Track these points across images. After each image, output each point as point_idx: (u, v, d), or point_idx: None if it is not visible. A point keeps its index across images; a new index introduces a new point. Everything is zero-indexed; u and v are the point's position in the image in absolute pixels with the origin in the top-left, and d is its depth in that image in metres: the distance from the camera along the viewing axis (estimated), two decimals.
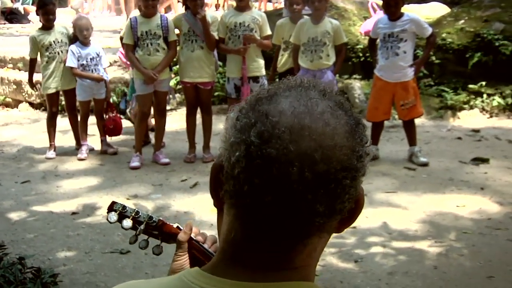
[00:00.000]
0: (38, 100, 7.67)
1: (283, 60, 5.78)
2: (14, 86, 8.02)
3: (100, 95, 5.76)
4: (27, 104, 7.99)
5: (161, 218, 1.27)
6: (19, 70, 8.34)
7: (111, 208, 1.26)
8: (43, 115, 6.91)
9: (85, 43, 5.65)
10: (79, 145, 5.85)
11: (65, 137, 6.24)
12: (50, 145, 5.85)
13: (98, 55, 5.72)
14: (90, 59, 5.64)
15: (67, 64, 5.59)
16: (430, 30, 5.21)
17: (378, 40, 5.44)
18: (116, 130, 5.83)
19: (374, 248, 3.68)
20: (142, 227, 1.25)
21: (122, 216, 1.26)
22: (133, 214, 1.26)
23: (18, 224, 4.16)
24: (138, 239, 1.27)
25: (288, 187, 0.73)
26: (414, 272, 3.33)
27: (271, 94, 0.79)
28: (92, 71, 5.66)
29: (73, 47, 5.60)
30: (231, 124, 0.78)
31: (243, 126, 0.76)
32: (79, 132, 5.84)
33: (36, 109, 7.84)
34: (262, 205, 0.74)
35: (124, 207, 1.26)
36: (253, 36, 5.38)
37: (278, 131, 0.73)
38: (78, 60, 5.59)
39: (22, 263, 3.10)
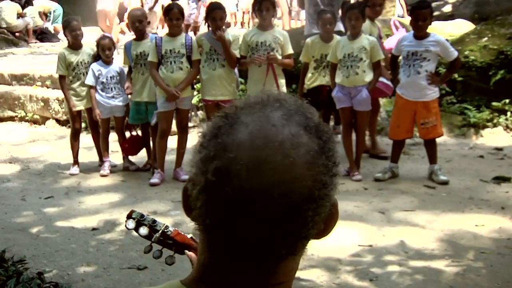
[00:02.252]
0: (65, 117, 7.83)
1: (313, 78, 5.79)
2: (42, 104, 8.21)
3: (119, 113, 5.87)
4: (54, 121, 8.17)
5: (176, 229, 1.31)
6: (47, 87, 8.55)
7: (130, 215, 1.32)
8: (69, 132, 7.04)
9: (107, 61, 5.77)
10: (102, 161, 5.97)
11: (89, 154, 6.35)
12: (74, 161, 5.97)
13: (119, 74, 5.81)
14: (110, 77, 5.75)
15: (85, 82, 5.75)
16: (455, 54, 5.14)
17: (400, 58, 5.44)
18: (133, 149, 5.90)
19: (390, 267, 3.65)
20: (157, 235, 1.30)
21: (139, 224, 1.31)
22: (150, 223, 1.31)
23: (40, 239, 4.24)
24: (153, 248, 1.32)
25: (249, 223, 0.73)
26: None
27: (232, 122, 0.77)
28: (112, 89, 5.77)
29: (94, 66, 5.73)
30: (196, 150, 0.79)
31: (203, 158, 0.77)
32: (101, 149, 5.96)
33: (63, 125, 8.00)
34: (224, 239, 0.76)
35: (142, 215, 1.32)
36: (274, 55, 5.43)
37: (234, 168, 0.73)
38: (98, 78, 5.72)
39: (41, 278, 3.17)
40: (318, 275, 3.54)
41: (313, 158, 0.76)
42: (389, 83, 5.61)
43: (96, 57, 5.84)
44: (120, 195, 5.19)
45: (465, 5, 13.71)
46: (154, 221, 1.30)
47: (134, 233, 1.33)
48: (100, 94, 5.76)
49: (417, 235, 4.11)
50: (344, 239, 4.07)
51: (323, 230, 0.81)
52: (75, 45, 5.84)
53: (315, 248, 3.89)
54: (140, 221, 1.30)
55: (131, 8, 7.56)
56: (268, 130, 0.75)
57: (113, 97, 5.79)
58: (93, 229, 4.38)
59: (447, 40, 5.84)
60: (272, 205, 0.72)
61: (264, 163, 0.73)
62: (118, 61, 6.12)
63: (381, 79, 5.54)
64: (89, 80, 5.71)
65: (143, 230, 1.29)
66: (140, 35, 5.66)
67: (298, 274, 3.22)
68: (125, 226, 1.30)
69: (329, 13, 5.76)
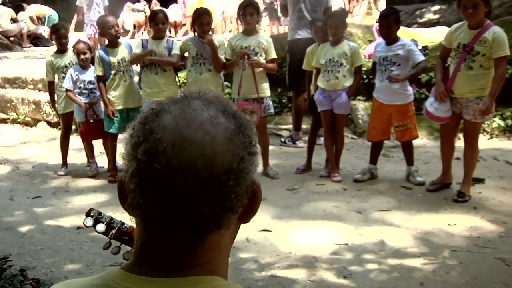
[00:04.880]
0: (56, 119, 7.83)
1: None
2: (34, 106, 8.22)
3: (97, 116, 5.77)
4: (45, 123, 8.18)
5: (132, 225, 1.34)
6: (39, 90, 8.56)
7: (88, 214, 1.35)
8: (59, 134, 7.06)
9: (83, 66, 5.69)
10: (90, 163, 5.98)
11: (78, 155, 6.36)
12: (63, 162, 5.98)
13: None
14: (88, 82, 5.69)
15: (63, 85, 5.71)
16: (420, 58, 5.10)
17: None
18: (92, 135, 5.80)
19: (365, 265, 3.68)
20: (113, 231, 1.33)
21: (97, 221, 1.34)
22: (107, 220, 1.34)
23: (25, 237, 4.24)
24: (112, 245, 1.34)
25: (176, 196, 0.79)
26: None
27: (158, 111, 0.85)
28: (88, 94, 5.69)
29: (71, 70, 5.68)
30: (127, 141, 0.85)
31: (133, 144, 0.83)
32: (86, 151, 5.95)
33: (54, 127, 8.02)
34: (157, 215, 0.81)
35: (100, 213, 1.35)
36: (256, 61, 5.45)
37: (161, 147, 0.80)
38: (76, 83, 5.67)
39: (24, 275, 3.17)
40: (294, 272, 3.56)
41: (231, 135, 0.83)
42: (432, 111, 4.79)
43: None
44: (107, 195, 5.20)
45: (450, 12, 13.82)
46: (112, 219, 1.33)
47: None
48: (78, 97, 5.70)
49: (393, 234, 4.14)
50: (321, 238, 4.11)
51: (248, 208, 0.87)
52: (61, 50, 5.87)
53: (292, 246, 3.94)
54: (98, 219, 1.33)
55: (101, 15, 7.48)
56: (189, 113, 0.83)
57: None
58: (78, 227, 4.38)
59: (428, 46, 5.85)
60: (197, 176, 0.79)
61: (187, 140, 0.80)
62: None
63: (429, 107, 4.81)
64: (66, 83, 5.66)
65: (100, 227, 1.32)
66: (117, 40, 5.63)
67: (275, 271, 3.23)
68: (83, 223, 1.33)
69: (320, 21, 5.79)
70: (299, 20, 6.44)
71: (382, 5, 10.50)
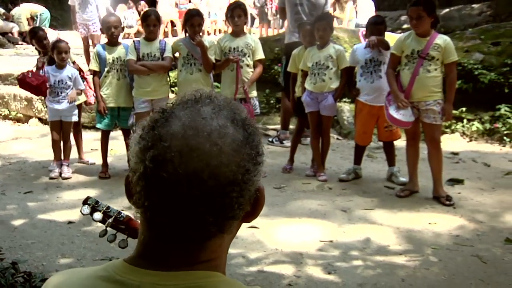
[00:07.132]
0: (47, 116, 7.77)
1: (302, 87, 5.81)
2: (25, 103, 8.15)
3: (65, 117, 5.67)
4: (37, 119, 8.12)
5: (128, 214, 1.34)
6: None
7: (85, 202, 1.34)
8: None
9: (60, 66, 5.57)
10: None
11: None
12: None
13: (70, 78, 5.60)
14: (58, 81, 5.56)
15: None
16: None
17: (356, 69, 5.49)
18: (33, 87, 5.62)
19: (349, 262, 3.71)
20: (110, 220, 1.32)
21: (94, 209, 1.33)
22: (104, 209, 1.33)
23: (17, 231, 4.21)
24: (108, 232, 1.33)
25: (181, 203, 0.79)
26: (383, 284, 3.36)
27: (167, 116, 0.84)
28: (58, 93, 5.57)
29: (46, 69, 5.60)
30: (136, 142, 0.84)
31: (142, 148, 0.82)
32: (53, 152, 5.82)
33: (45, 124, 7.92)
34: (161, 218, 0.82)
35: (97, 202, 1.33)
36: (246, 87, 5.45)
37: (169, 155, 0.79)
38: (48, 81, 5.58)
39: (15, 268, 3.14)
40: (281, 268, 3.58)
41: (238, 147, 0.82)
42: (400, 117, 4.74)
43: (50, 61, 5.67)
44: (97, 191, 5.17)
45: None
46: (108, 207, 1.33)
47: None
48: (48, 97, 5.63)
49: (376, 232, 4.17)
50: (307, 235, 4.13)
51: (250, 212, 0.88)
52: (44, 52, 5.84)
53: (279, 242, 3.95)
54: (95, 207, 1.32)
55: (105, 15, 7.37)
56: (199, 122, 0.82)
57: (58, 101, 5.59)
58: (69, 222, 4.36)
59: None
60: (202, 186, 0.79)
61: (194, 150, 0.79)
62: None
63: (396, 114, 4.75)
64: None
65: (97, 216, 1.31)
66: (115, 40, 5.60)
67: (262, 267, 3.24)
68: (80, 211, 1.32)
69: (308, 25, 5.80)
70: (297, 22, 6.41)
71: (365, 10, 10.53)
